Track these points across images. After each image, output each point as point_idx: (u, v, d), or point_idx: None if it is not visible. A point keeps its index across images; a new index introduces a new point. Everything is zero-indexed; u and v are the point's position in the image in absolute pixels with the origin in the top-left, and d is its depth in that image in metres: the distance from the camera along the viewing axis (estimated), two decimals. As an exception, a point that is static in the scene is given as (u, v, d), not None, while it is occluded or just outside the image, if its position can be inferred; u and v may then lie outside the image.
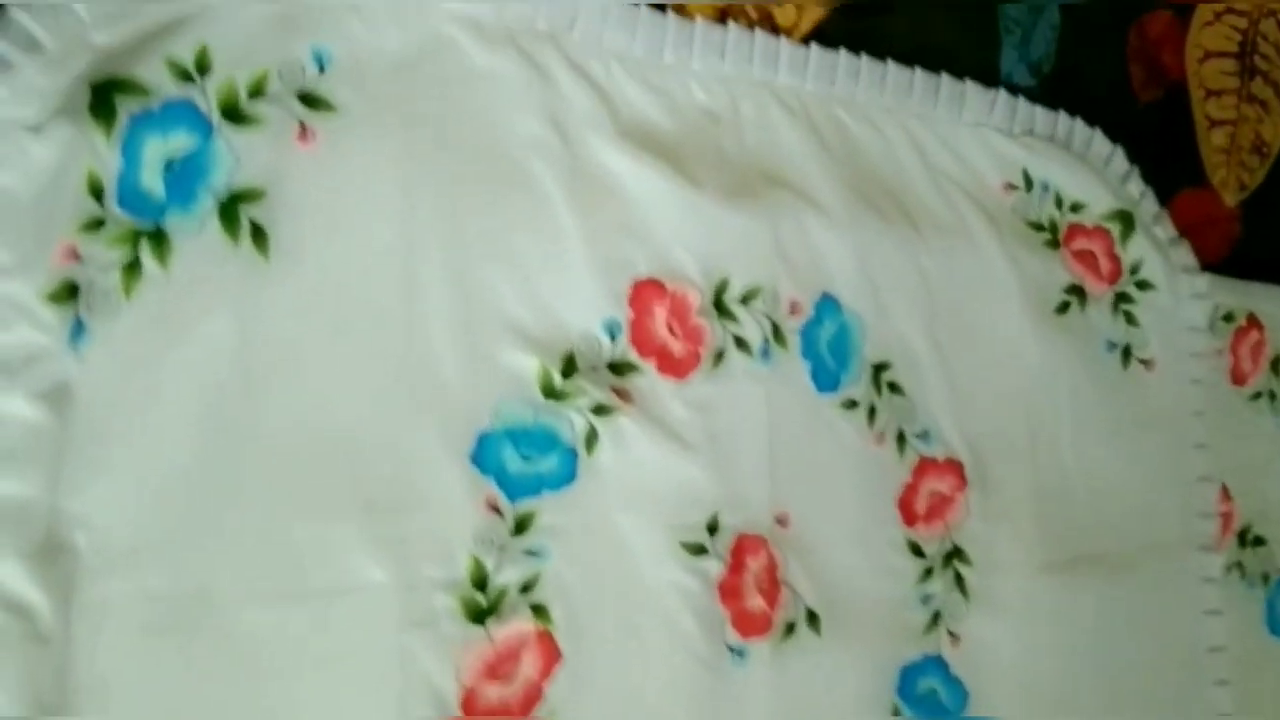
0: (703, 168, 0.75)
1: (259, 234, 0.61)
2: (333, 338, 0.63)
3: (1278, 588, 1.01)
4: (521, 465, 0.68)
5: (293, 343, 0.62)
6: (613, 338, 0.71)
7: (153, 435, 0.58)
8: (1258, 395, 1.02)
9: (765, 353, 0.76)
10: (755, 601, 0.74)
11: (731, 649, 0.73)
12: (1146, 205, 0.96)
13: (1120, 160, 0.95)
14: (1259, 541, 1.00)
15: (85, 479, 0.57)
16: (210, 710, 0.59)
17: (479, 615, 0.66)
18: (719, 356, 0.75)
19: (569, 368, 0.70)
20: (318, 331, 0.63)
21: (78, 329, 0.57)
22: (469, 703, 0.65)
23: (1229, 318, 1.00)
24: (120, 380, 0.58)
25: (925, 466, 0.82)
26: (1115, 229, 0.93)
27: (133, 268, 0.58)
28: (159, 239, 0.59)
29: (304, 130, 0.63)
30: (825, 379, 0.78)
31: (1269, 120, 1.05)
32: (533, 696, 0.67)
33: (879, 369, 0.81)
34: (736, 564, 0.73)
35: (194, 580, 0.59)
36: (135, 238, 0.59)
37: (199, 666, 0.59)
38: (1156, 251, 0.94)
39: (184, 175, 0.60)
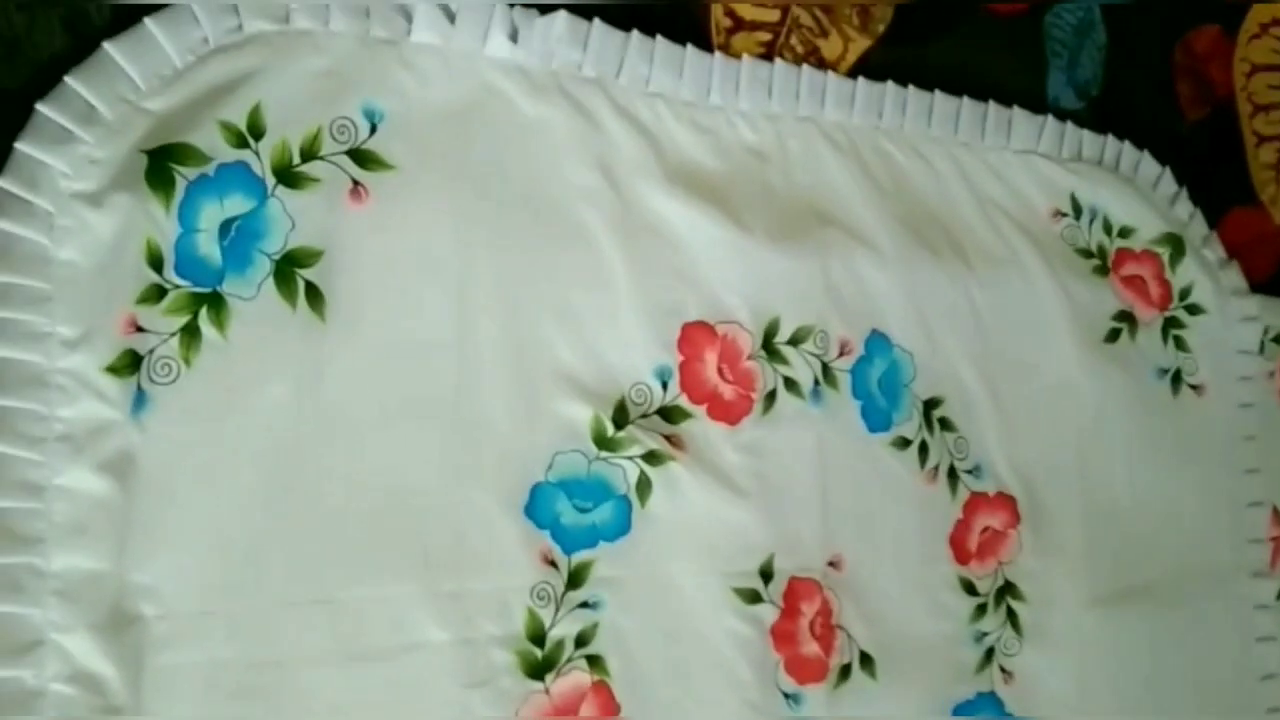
0: (751, 209, 0.75)
1: (315, 296, 0.62)
2: (389, 398, 0.63)
3: (1330, 611, 0.99)
4: (576, 517, 0.68)
5: (350, 405, 0.62)
6: (664, 384, 0.71)
7: (214, 502, 0.59)
8: (1308, 417, 1.00)
9: (816, 394, 0.76)
10: (810, 647, 0.74)
11: (786, 695, 0.73)
12: (1195, 227, 0.95)
13: (1168, 181, 0.94)
14: (1311, 565, 0.99)
15: (150, 549, 0.57)
16: (277, 774, 0.59)
17: (537, 670, 0.66)
18: (770, 399, 0.75)
19: (621, 416, 0.70)
20: (375, 393, 0.63)
21: (139, 399, 0.57)
22: (529, 757, 0.65)
23: (1279, 339, 0.98)
24: (181, 448, 0.58)
25: (977, 502, 0.81)
26: (1165, 253, 0.92)
27: (192, 335, 0.59)
28: (217, 305, 0.59)
29: (356, 188, 0.63)
30: (876, 418, 0.78)
31: (1317, 135, 1.03)
32: (591, 748, 0.67)
33: (930, 405, 0.80)
34: (790, 609, 0.73)
35: (260, 645, 0.60)
36: (194, 304, 0.59)
37: (266, 730, 0.59)
38: (1206, 275, 0.93)
39: (240, 239, 0.60)
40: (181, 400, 0.58)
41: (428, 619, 0.63)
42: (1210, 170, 0.98)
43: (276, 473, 0.60)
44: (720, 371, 0.73)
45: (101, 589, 0.56)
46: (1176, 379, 0.92)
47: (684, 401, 0.72)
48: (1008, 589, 0.82)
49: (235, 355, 0.60)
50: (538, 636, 0.66)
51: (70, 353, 0.55)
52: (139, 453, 0.57)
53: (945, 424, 0.81)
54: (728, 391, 0.73)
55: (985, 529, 0.81)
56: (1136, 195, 0.92)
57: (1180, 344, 0.93)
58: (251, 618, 0.59)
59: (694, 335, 0.72)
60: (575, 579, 0.68)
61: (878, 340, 0.79)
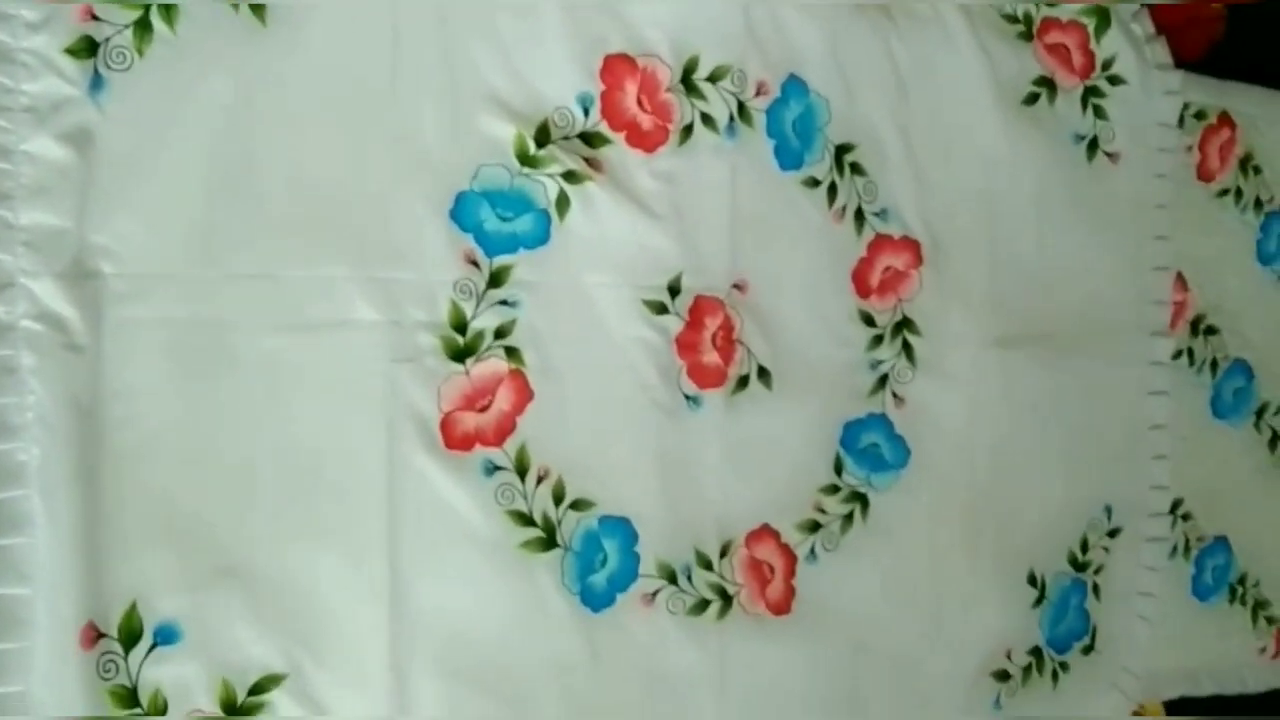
0: (679, -53, 0.80)
1: (257, 4, 0.68)
2: (324, 101, 0.71)
3: (1226, 375, 1.07)
4: (498, 224, 0.76)
5: (287, 103, 0.69)
6: (585, 110, 0.78)
7: (165, 180, 0.67)
8: (1224, 192, 1.06)
9: (731, 130, 0.82)
10: (710, 356, 0.82)
11: (688, 396, 0.81)
12: (1125, 2, 0.98)
13: (1103, -44, 0.97)
14: (1211, 330, 1.06)
15: (107, 214, 0.66)
16: (222, 422, 0.69)
17: (458, 354, 0.75)
18: (686, 132, 0.81)
19: (543, 136, 0.77)
20: (311, 94, 0.70)
21: (97, 81, 0.65)
22: (447, 427, 0.74)
23: (1200, 115, 1.03)
24: (135, 129, 0.66)
25: (881, 243, 0.88)
26: (1090, 24, 0.96)
27: (144, 28, 0.66)
28: (167, 3, 0.66)
29: (298, -95, 0.69)
30: (788, 157, 0.84)
31: (1266, -79, 1.06)
32: (506, 427, 0.76)
33: (842, 150, 0.86)
34: (694, 322, 0.81)
35: (206, 309, 0.69)
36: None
37: (211, 384, 0.69)
38: (1131, 47, 0.97)
39: (188, -55, 0.66)
40: (135, 86, 0.66)
41: (360, 300, 0.72)
42: (1150, -53, 1.01)
43: (223, 158, 0.68)
44: (639, 102, 0.79)
45: (64, 244, 0.64)
46: (1093, 145, 0.97)
47: (604, 128, 0.79)
48: (905, 324, 0.89)
49: (183, 49, 0.67)
50: (460, 325, 0.75)
51: (33, 34, 0.63)
52: (96, 129, 0.65)
53: (856, 168, 0.87)
54: (646, 121, 0.79)
55: (888, 268, 0.88)
56: (1068, -34, 0.95)
57: (1099, 112, 0.97)
58: (201, 284, 0.68)
59: (615, 66, 0.78)
60: (495, 279, 0.76)
61: (795, 84, 0.84)
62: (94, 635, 0.65)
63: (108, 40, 0.65)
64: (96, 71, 0.65)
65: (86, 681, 0.65)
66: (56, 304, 0.64)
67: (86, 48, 0.64)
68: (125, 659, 0.66)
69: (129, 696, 0.66)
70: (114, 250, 0.66)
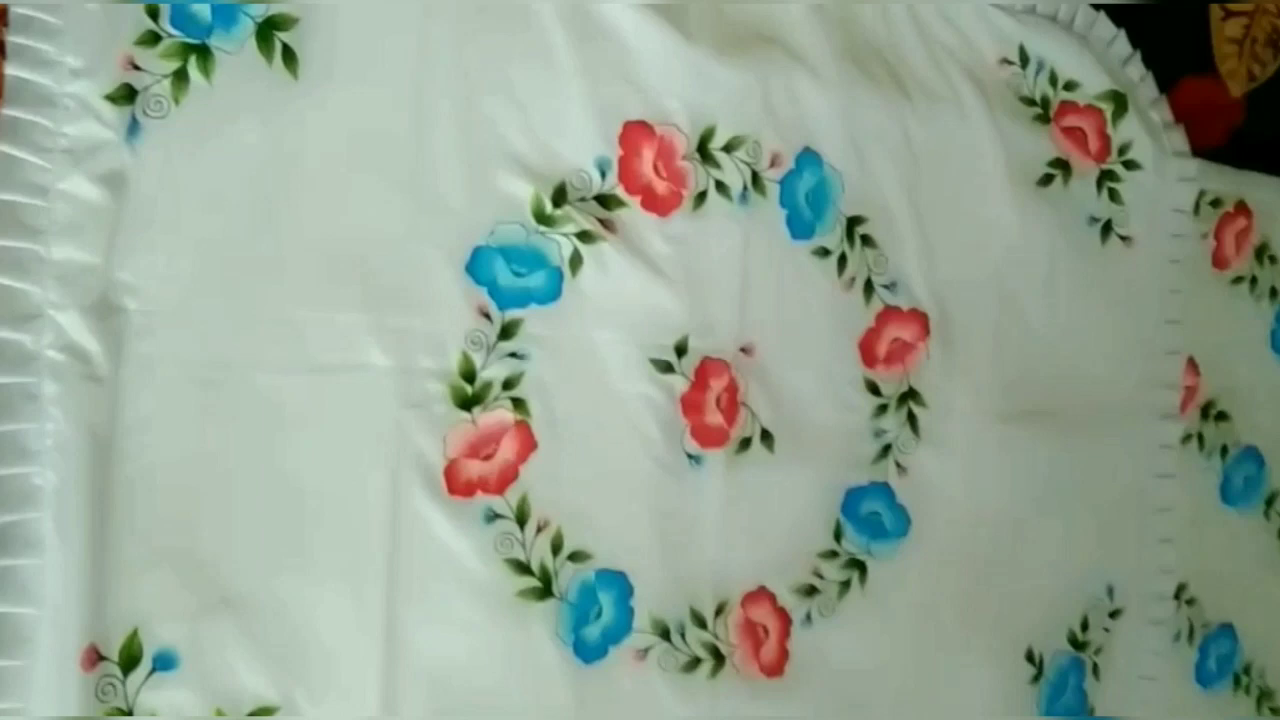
0: (700, 23, 0.83)
1: (289, 56, 0.72)
2: (350, 152, 0.74)
3: (1236, 462, 1.07)
4: (511, 279, 0.78)
5: (314, 153, 0.73)
6: (603, 174, 0.81)
7: (191, 222, 0.70)
8: (1239, 280, 1.07)
9: (744, 198, 0.84)
10: (714, 417, 0.83)
11: (690, 455, 0.83)
12: (1145, 89, 1.00)
13: (1123, 43, 0.99)
14: (1222, 417, 1.06)
15: (134, 253, 0.69)
16: (231, 457, 0.71)
17: (465, 402, 0.77)
18: (700, 198, 0.83)
19: (560, 197, 0.79)
20: (337, 146, 0.73)
21: (133, 127, 0.68)
22: (451, 473, 0.76)
23: (1217, 203, 1.04)
24: (166, 173, 0.69)
25: (889, 314, 0.90)
26: (1108, 109, 0.98)
27: (181, 78, 0.69)
28: (204, 54, 0.70)
29: (334, -31, 0.73)
30: (800, 227, 0.86)
31: (1290, 14, 1.07)
32: (508, 475, 0.78)
33: (854, 222, 0.89)
34: (700, 382, 0.83)
35: (222, 348, 0.71)
36: (185, 52, 0.69)
37: (223, 420, 0.71)
38: (1148, 134, 0.99)
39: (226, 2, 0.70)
40: (169, 133, 0.69)
41: (373, 346, 0.74)
42: (1170, 37, 1.03)
43: (247, 204, 0.71)
44: (655, 168, 0.82)
45: (92, 279, 0.67)
46: (1107, 228, 0.99)
47: (620, 191, 0.81)
48: (910, 394, 0.91)
49: (217, 99, 0.70)
50: (469, 374, 0.77)
51: (76, 79, 0.67)
52: (130, 173, 0.68)
53: (867, 240, 0.89)
54: (661, 186, 0.82)
55: (895, 339, 0.90)
56: (1087, 52, 0.97)
57: (1114, 196, 0.99)
58: (219, 323, 0.71)
59: (634, 132, 0.81)
60: (506, 332, 0.78)
61: (809, 157, 0.87)
62: (95, 658, 0.67)
63: (146, 89, 0.68)
64: (134, 118, 0.68)
65: (84, 703, 0.66)
66: (81, 336, 0.67)
67: (126, 95, 0.68)
68: (123, 683, 0.68)
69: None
70: (138, 287, 0.69)
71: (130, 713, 0.68)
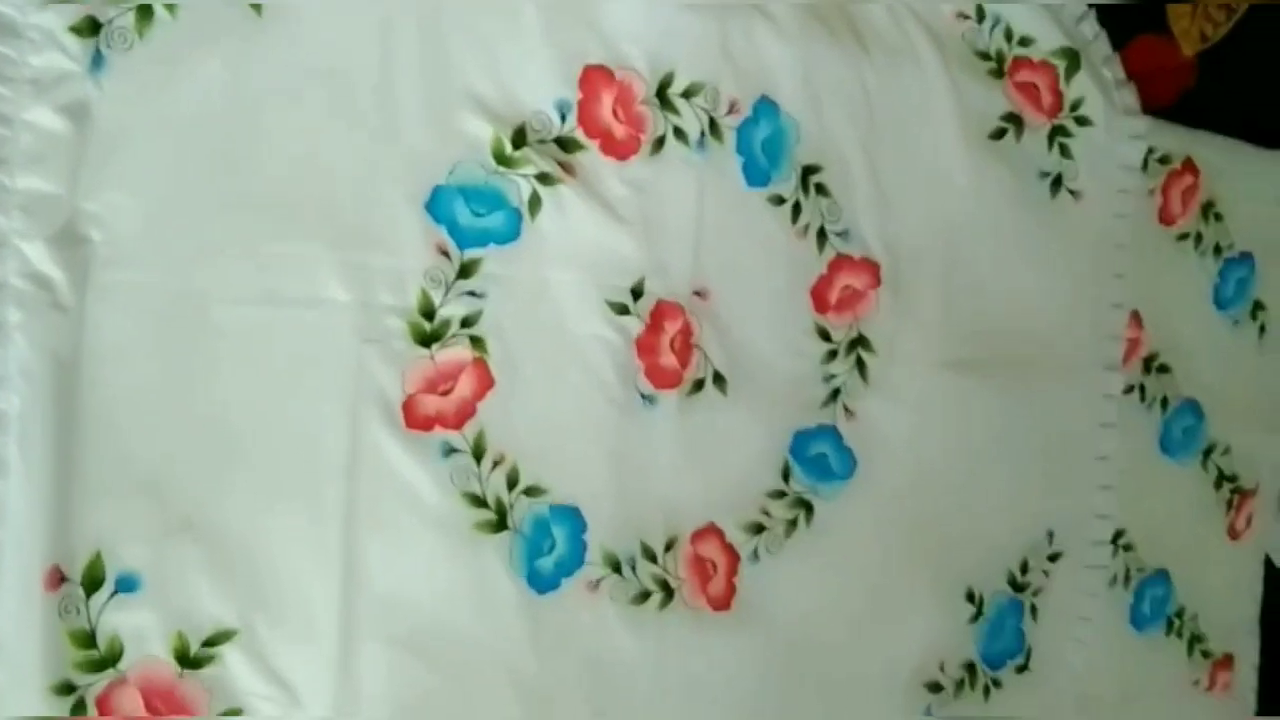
0: (660, -29, 0.84)
1: (253, -7, 0.73)
2: (314, 89, 0.75)
3: (1175, 414, 1.10)
4: (471, 219, 0.80)
5: (277, 89, 0.74)
6: (562, 117, 0.82)
7: (155, 155, 0.71)
8: (1184, 236, 1.10)
9: (701, 144, 0.86)
10: (668, 359, 0.86)
11: (643, 395, 0.85)
12: (1098, 47, 1.02)
13: (1077, 1, 1.01)
14: (1164, 369, 1.09)
15: (99, 184, 0.70)
16: (193, 386, 0.73)
17: (424, 339, 0.79)
18: (658, 143, 0.85)
19: (520, 138, 0.81)
20: (300, 82, 0.74)
21: (97, 59, 0.69)
22: (409, 408, 0.78)
23: (1165, 160, 1.07)
24: (130, 106, 0.70)
25: (841, 262, 0.92)
26: (1061, 65, 1.00)
27: (145, 11, 0.70)
28: (168, -10, 0.71)
29: (298, -94, 0.73)
30: (755, 174, 0.88)
31: (1243, -23, 1.10)
32: (466, 412, 0.80)
33: (809, 171, 0.90)
34: (654, 325, 0.85)
35: (186, 279, 0.73)
36: (148, -13, 0.70)
37: (186, 350, 0.73)
38: (1099, 91, 1.01)
39: (192, -63, 0.71)
40: (133, 67, 0.70)
41: (334, 280, 0.76)
42: (1125, -4, 1.05)
43: (211, 138, 0.72)
44: (614, 112, 0.83)
45: (56, 209, 0.69)
46: (1057, 182, 1.01)
47: (579, 134, 0.83)
48: (860, 341, 0.93)
49: (181, 34, 0.71)
50: (428, 312, 0.79)
51: (40, 10, 0.67)
52: (94, 104, 0.69)
53: (821, 189, 0.91)
54: (619, 131, 0.84)
55: (846, 287, 0.92)
56: (1042, 9, 0.99)
57: (1065, 151, 1.01)
58: (183, 255, 0.72)
59: (594, 76, 0.83)
60: (465, 270, 0.80)
61: (766, 105, 0.88)
62: (58, 578, 0.69)
63: (110, 21, 0.69)
64: (98, 50, 0.69)
65: (48, 621, 0.68)
66: (45, 265, 0.68)
67: (90, 27, 0.69)
68: (86, 603, 0.70)
69: (87, 638, 0.70)
70: (103, 218, 0.70)
71: (93, 633, 0.70)
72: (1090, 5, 1.01)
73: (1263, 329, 1.15)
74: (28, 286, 0.68)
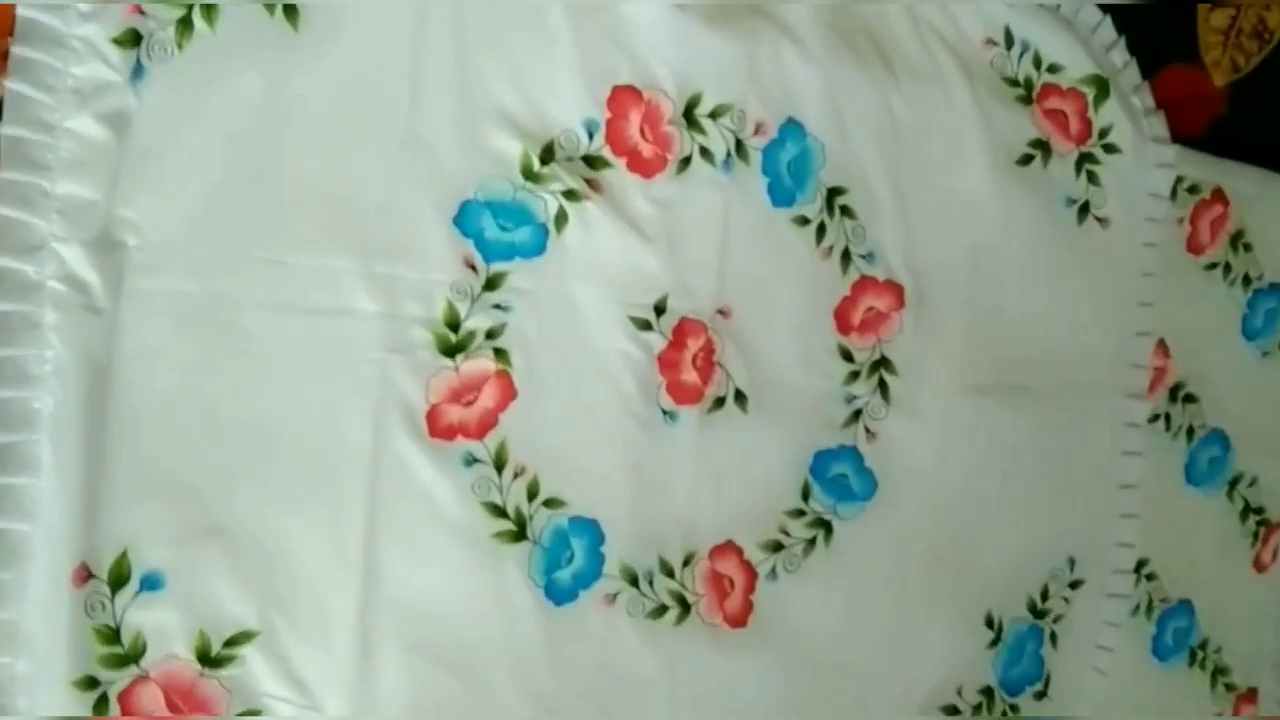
0: (690, -8, 0.85)
1: (290, 9, 0.74)
2: (346, 104, 0.76)
3: (1202, 444, 1.10)
4: (498, 233, 0.81)
5: (312, 103, 0.76)
6: (590, 135, 0.83)
7: (191, 164, 0.73)
8: (1213, 266, 1.09)
9: (727, 165, 0.87)
10: (690, 375, 0.86)
11: (664, 411, 0.86)
12: (1128, 75, 1.02)
13: (1107, 29, 1.01)
14: (1190, 399, 1.09)
15: (136, 192, 0.72)
16: (222, 391, 0.75)
17: (449, 350, 0.80)
18: (685, 163, 0.86)
19: (548, 155, 0.82)
20: (334, 97, 0.76)
21: (138, 71, 0.71)
22: (433, 417, 0.79)
23: (1194, 190, 1.06)
24: (169, 117, 0.72)
25: (865, 284, 0.93)
26: (1090, 93, 1.00)
27: (186, 25, 0.72)
28: (208, 4, 0.72)
29: (337, -75, 0.75)
30: (781, 195, 0.89)
31: (1276, 8, 1.09)
32: (488, 423, 0.81)
33: (834, 192, 0.91)
34: (677, 341, 0.86)
35: (217, 286, 0.74)
36: (189, 1, 0.72)
37: (216, 356, 0.75)
38: (1128, 119, 1.01)
39: (232, -46, 0.73)
40: (172, 77, 0.72)
41: (361, 291, 0.78)
42: (1156, 25, 1.05)
43: (246, 149, 0.74)
44: (642, 131, 0.85)
45: (93, 215, 0.71)
46: (1084, 210, 1.01)
47: (606, 152, 0.84)
48: (883, 362, 0.94)
49: (220, 47, 0.73)
50: (453, 323, 0.80)
51: (84, 22, 0.70)
52: (134, 114, 0.71)
53: (846, 211, 0.92)
54: (646, 150, 0.85)
55: (870, 308, 0.93)
56: (1071, 36, 0.99)
57: (1093, 178, 1.02)
58: (215, 262, 0.74)
59: (622, 96, 0.84)
60: (491, 283, 0.81)
61: (792, 127, 0.89)
62: (85, 575, 0.71)
63: (151, 34, 0.71)
64: (139, 61, 0.71)
65: (74, 617, 0.70)
66: (81, 269, 0.70)
67: (131, 39, 0.71)
68: (112, 601, 0.72)
69: (112, 635, 0.72)
70: (139, 224, 0.72)
71: (118, 630, 0.72)
72: (1121, 34, 1.01)
73: (1292, 360, 1.14)
74: (64, 289, 0.70)
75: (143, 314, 0.72)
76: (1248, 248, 1.10)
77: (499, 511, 0.81)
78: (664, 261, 0.85)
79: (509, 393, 0.82)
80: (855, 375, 0.93)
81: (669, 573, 0.86)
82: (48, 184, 0.70)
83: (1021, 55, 0.98)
